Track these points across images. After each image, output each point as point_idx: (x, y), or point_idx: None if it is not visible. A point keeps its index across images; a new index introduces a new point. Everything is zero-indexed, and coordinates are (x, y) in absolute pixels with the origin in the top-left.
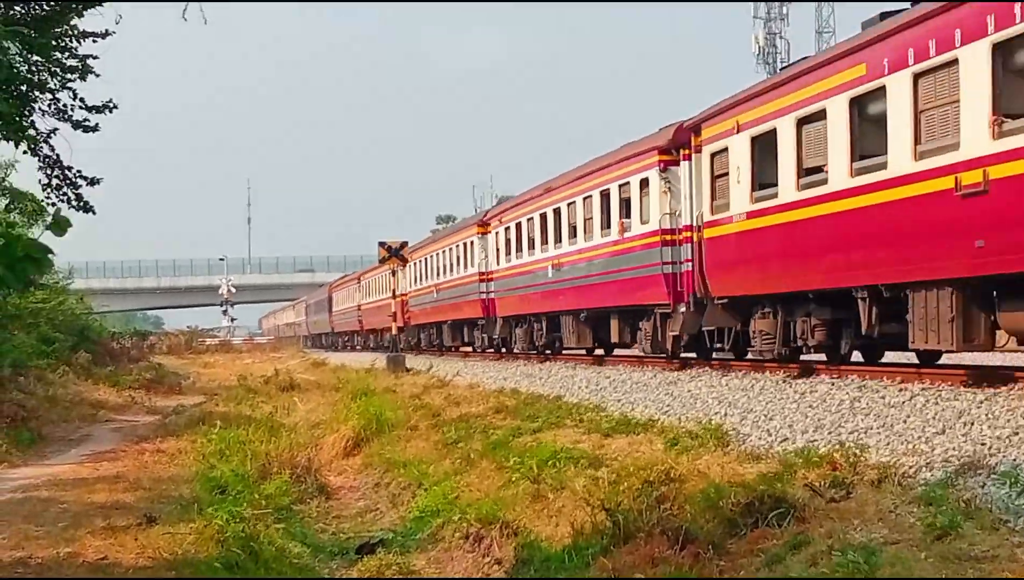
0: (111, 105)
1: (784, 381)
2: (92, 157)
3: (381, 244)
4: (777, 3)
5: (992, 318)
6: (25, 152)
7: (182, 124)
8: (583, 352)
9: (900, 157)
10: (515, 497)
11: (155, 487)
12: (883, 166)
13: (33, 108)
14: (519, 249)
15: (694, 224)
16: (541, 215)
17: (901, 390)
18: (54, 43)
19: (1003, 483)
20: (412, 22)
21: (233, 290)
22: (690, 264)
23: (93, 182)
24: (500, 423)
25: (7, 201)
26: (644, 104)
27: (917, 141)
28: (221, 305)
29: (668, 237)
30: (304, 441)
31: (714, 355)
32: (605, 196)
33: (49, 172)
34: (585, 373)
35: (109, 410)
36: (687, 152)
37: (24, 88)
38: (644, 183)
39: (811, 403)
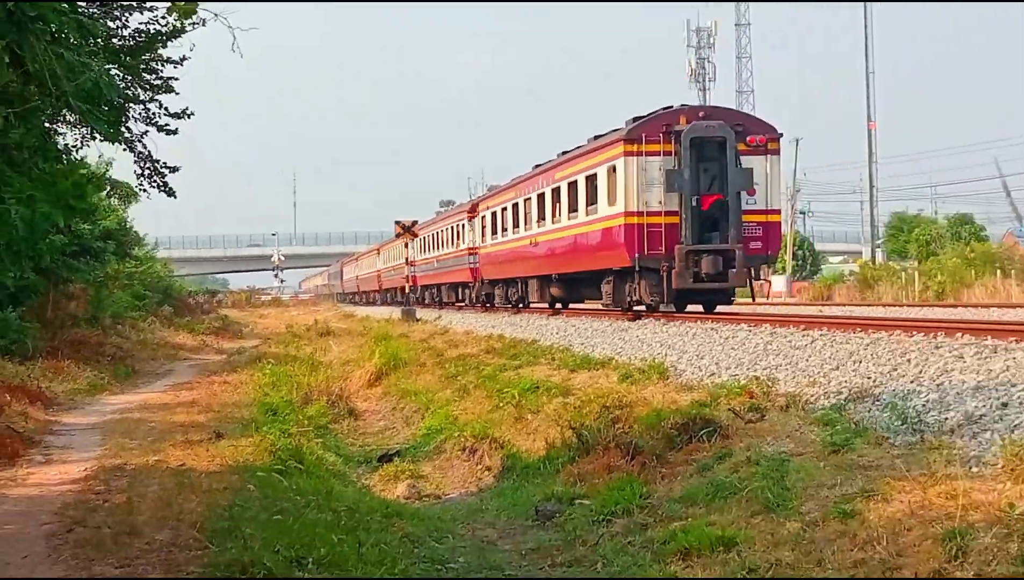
0: (188, 113)
1: (712, 329)
2: (175, 152)
3: (397, 222)
4: (705, 33)
5: (549, 290)
6: (124, 150)
7: (243, 124)
8: (462, 305)
9: (520, 231)
10: (501, 419)
11: (222, 410)
12: (516, 231)
13: (128, 116)
14: (424, 251)
15: (479, 246)
16: (431, 234)
17: (804, 335)
18: (143, 67)
19: (884, 408)
20: (420, 38)
21: (282, 258)
22: (478, 264)
23: (173, 169)
24: (490, 361)
25: (108, 188)
26: (606, 105)
27: (526, 225)
28: (272, 270)
29: (471, 251)
30: (337, 375)
31: (495, 303)
32: (451, 229)
33: (143, 165)
34: (555, 322)
35: (187, 351)
36: (476, 214)
37: (121, 101)
38: (462, 226)
39: (733, 346)
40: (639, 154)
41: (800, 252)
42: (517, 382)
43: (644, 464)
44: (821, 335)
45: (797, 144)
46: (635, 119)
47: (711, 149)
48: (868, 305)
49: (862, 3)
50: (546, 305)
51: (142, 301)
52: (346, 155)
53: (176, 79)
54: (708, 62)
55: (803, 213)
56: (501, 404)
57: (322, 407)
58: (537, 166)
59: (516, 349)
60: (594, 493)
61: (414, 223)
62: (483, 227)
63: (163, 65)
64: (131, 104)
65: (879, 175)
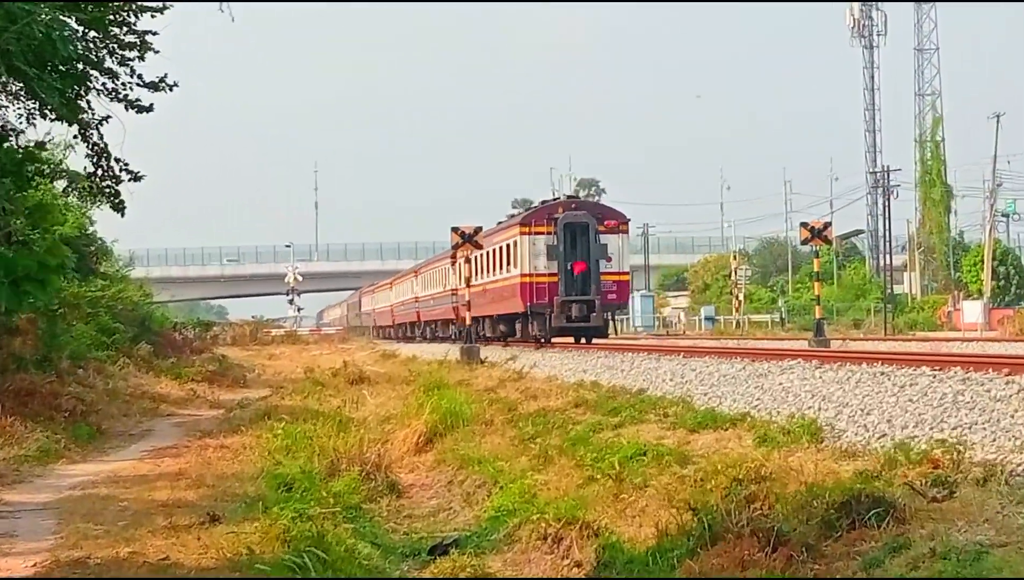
0: (168, 83)
1: (882, 373)
2: (150, 139)
3: (454, 229)
4: None
5: (499, 326)
6: (75, 137)
7: (245, 104)
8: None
9: (480, 279)
10: (596, 496)
11: (218, 484)
12: (478, 279)
13: (89, 88)
14: (425, 288)
15: (459, 288)
16: (419, 277)
17: (1008, 383)
18: (111, 17)
19: None
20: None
21: (300, 278)
22: (458, 303)
23: (137, 178)
24: (580, 418)
25: (65, 184)
26: (724, 82)
27: (482, 275)
28: (287, 294)
29: (454, 293)
30: (374, 436)
31: (485, 337)
32: (441, 271)
33: (95, 160)
34: (669, 365)
35: (171, 404)
36: (455, 261)
37: (80, 66)
38: (446, 270)
39: (911, 397)
40: (531, 233)
41: (1002, 269)
42: (617, 446)
43: (790, 558)
44: None
45: (998, 121)
46: (542, 202)
47: (579, 230)
48: None
49: None
50: (525, 339)
51: (111, 337)
52: (385, 145)
53: (155, 33)
54: (876, 10)
55: (1006, 216)
56: (595, 476)
57: (354, 480)
58: (499, 222)
59: (615, 401)
60: None
61: (477, 230)
62: (460, 273)
63: (137, 16)
64: (94, 71)
65: None
